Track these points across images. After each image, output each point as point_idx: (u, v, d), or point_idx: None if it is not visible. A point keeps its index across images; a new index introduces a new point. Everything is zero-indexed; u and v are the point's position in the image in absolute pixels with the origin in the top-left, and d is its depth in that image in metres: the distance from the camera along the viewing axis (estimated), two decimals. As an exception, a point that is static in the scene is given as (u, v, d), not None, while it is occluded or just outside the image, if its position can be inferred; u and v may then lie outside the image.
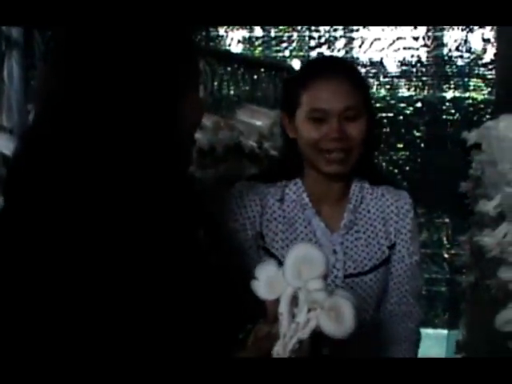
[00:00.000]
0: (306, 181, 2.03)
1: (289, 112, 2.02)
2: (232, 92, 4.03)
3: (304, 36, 6.16)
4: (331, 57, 2.29)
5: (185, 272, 1.30)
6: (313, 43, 6.13)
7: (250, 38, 6.24)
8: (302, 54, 6.11)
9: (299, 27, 6.13)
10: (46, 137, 1.25)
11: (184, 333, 1.27)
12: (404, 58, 6.02)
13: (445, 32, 5.93)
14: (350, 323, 1.22)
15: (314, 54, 6.12)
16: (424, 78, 5.99)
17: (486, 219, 2.46)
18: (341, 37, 6.07)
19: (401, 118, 5.99)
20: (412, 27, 5.90)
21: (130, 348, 1.19)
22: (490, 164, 2.78)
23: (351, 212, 2.02)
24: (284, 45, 6.19)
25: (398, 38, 5.97)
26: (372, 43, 6.01)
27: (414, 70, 6.01)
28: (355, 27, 6.02)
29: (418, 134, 5.99)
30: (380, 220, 2.04)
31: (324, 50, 6.07)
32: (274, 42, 6.21)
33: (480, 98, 5.89)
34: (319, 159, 1.95)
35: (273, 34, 6.22)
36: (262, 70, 4.56)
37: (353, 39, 6.06)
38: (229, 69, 4.01)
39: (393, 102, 6.01)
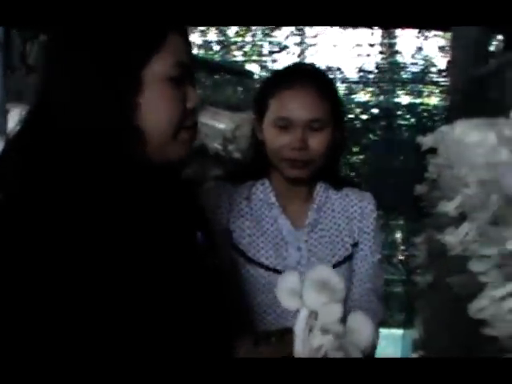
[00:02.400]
0: (273, 181, 2.08)
1: (258, 115, 2.06)
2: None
3: (261, 41, 6.25)
4: (303, 65, 2.27)
5: (183, 273, 1.33)
6: (271, 48, 6.21)
7: (205, 41, 6.28)
8: (259, 58, 6.19)
9: (256, 31, 6.21)
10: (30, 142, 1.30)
11: (181, 333, 1.30)
12: (361, 65, 6.14)
13: (400, 39, 6.07)
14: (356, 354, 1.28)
15: (270, 58, 6.20)
16: (380, 84, 6.12)
17: (445, 220, 2.53)
18: (300, 43, 6.17)
19: (357, 122, 6.11)
20: (370, 33, 6.04)
21: (126, 347, 1.22)
22: (447, 167, 2.85)
23: (315, 211, 2.08)
24: (246, 49, 6.26)
25: (356, 45, 6.10)
26: (330, 49, 6.12)
27: (371, 76, 6.13)
28: (313, 33, 6.12)
29: (374, 138, 6.12)
30: (344, 219, 2.11)
31: (282, 55, 6.16)
32: (231, 47, 6.27)
33: (434, 103, 6.04)
34: (281, 165, 2.00)
35: (231, 39, 6.29)
36: (223, 73, 4.63)
37: (311, 45, 6.15)
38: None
39: (350, 106, 6.13)
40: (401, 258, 6.09)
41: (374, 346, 1.37)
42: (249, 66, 5.99)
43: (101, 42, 1.28)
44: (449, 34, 5.70)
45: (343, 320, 1.32)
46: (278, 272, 1.96)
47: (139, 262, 1.25)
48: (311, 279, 1.32)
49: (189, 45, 1.40)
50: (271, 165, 2.06)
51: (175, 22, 1.34)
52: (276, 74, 2.17)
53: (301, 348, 1.28)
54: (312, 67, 2.19)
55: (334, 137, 2.01)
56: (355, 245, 2.10)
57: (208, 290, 1.40)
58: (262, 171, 2.08)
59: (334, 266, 2.01)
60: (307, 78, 2.02)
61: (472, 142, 2.43)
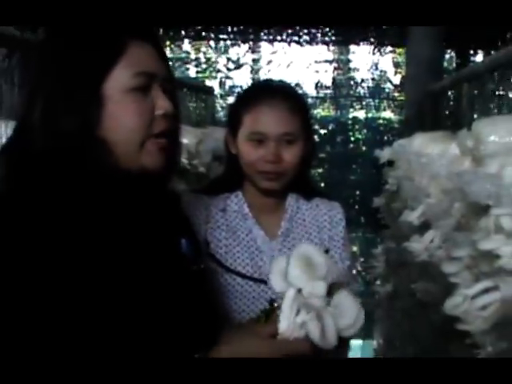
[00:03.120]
0: (246, 193, 2.15)
1: (232, 130, 2.12)
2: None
3: (216, 57, 6.34)
4: (274, 82, 2.32)
5: (167, 278, 1.38)
6: (230, 65, 6.30)
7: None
8: (220, 75, 6.28)
9: (215, 47, 6.30)
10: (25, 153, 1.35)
11: (167, 333, 1.33)
12: (318, 81, 6.26)
13: (357, 55, 6.21)
14: (331, 340, 1.28)
15: (231, 74, 6.28)
16: (337, 99, 6.24)
17: (406, 229, 2.61)
18: (259, 59, 6.27)
19: (316, 137, 6.21)
20: (325, 50, 6.17)
21: (115, 345, 1.24)
22: (407, 179, 2.91)
23: (288, 221, 2.15)
24: (204, 66, 6.34)
25: (315, 61, 6.21)
26: (289, 65, 6.23)
27: (328, 91, 6.25)
28: (274, 49, 6.24)
29: (331, 152, 6.23)
30: (315, 228, 2.17)
31: (242, 71, 6.25)
32: (190, 64, 6.34)
33: (390, 118, 6.17)
34: (255, 177, 2.07)
35: (190, 56, 6.36)
36: (185, 89, 4.68)
37: (270, 61, 6.26)
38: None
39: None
40: (359, 269, 6.18)
41: (356, 328, 1.39)
42: (208, 83, 6.05)
43: (61, 59, 1.34)
44: (403, 50, 5.84)
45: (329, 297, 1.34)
46: (253, 280, 2.03)
47: (122, 267, 1.29)
48: (295, 257, 1.35)
49: (157, 53, 1.41)
50: (245, 177, 2.12)
51: (133, 32, 1.36)
52: (247, 90, 2.23)
53: (285, 325, 1.31)
54: (283, 84, 2.25)
55: (305, 149, 2.09)
56: (326, 252, 2.16)
57: (192, 293, 1.44)
58: (236, 184, 2.14)
59: None
60: (279, 94, 2.08)
61: (433, 153, 2.51)
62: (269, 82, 2.33)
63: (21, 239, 1.24)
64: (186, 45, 6.38)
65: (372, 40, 6.15)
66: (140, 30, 1.39)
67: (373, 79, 6.16)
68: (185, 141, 3.70)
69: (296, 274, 1.34)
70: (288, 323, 1.31)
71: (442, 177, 2.11)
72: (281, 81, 2.35)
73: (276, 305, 1.37)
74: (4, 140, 1.42)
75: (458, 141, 1.93)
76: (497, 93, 2.81)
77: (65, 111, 1.31)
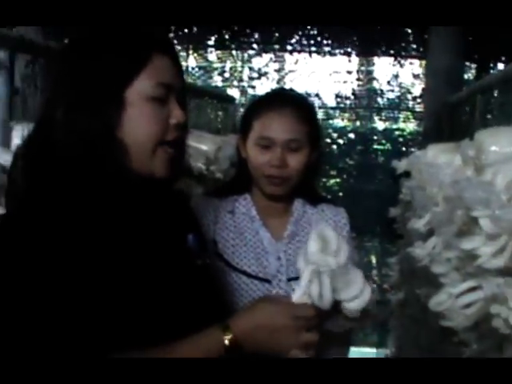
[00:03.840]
0: (254, 196, 2.23)
1: (243, 135, 2.22)
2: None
3: (242, 67, 6.41)
4: (285, 90, 2.42)
5: (175, 271, 1.48)
6: (253, 74, 6.37)
7: (187, 67, 6.43)
8: (241, 84, 6.34)
9: (237, 58, 6.38)
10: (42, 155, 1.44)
11: (174, 325, 1.40)
12: (339, 91, 6.31)
13: (376, 67, 6.25)
14: (327, 300, 1.39)
15: (252, 84, 6.35)
16: (357, 110, 6.29)
17: (416, 236, 2.67)
18: (279, 69, 6.33)
19: (334, 147, 6.27)
20: (347, 61, 6.23)
21: (124, 337, 1.32)
22: (419, 188, 2.96)
23: (293, 224, 2.23)
24: (226, 75, 6.41)
25: (334, 72, 6.27)
26: (309, 76, 6.29)
27: (348, 102, 6.30)
28: (294, 59, 6.31)
29: (350, 162, 6.28)
30: None
31: (262, 81, 6.32)
32: (213, 73, 6.42)
33: (409, 129, 6.21)
34: (262, 181, 2.17)
35: (213, 65, 6.44)
36: (206, 98, 4.77)
37: (290, 71, 6.33)
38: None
39: (327, 131, 6.29)
40: (375, 278, 6.22)
41: (362, 301, 1.48)
42: (230, 91, 6.13)
43: (89, 65, 1.42)
44: (423, 62, 5.89)
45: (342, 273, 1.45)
46: (259, 279, 2.11)
47: (133, 262, 1.39)
48: (312, 237, 1.49)
49: (175, 66, 1.51)
50: (253, 181, 2.20)
51: (156, 45, 1.46)
52: (260, 98, 2.33)
53: (298, 294, 1.42)
54: (293, 93, 2.34)
55: (311, 157, 2.17)
56: None
57: (198, 285, 1.53)
58: (245, 187, 2.23)
59: None
60: (288, 102, 2.18)
61: (441, 163, 2.57)
62: (281, 91, 2.42)
63: (42, 233, 1.32)
64: (210, 54, 6.45)
65: (392, 52, 6.19)
66: (162, 43, 1.49)
67: (392, 90, 6.19)
68: (204, 147, 3.79)
69: (312, 251, 1.47)
70: (300, 293, 1.42)
71: (446, 185, 2.16)
72: (291, 90, 2.44)
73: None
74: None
75: (461, 150, 1.99)
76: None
77: (89, 112, 1.40)
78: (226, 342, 1.35)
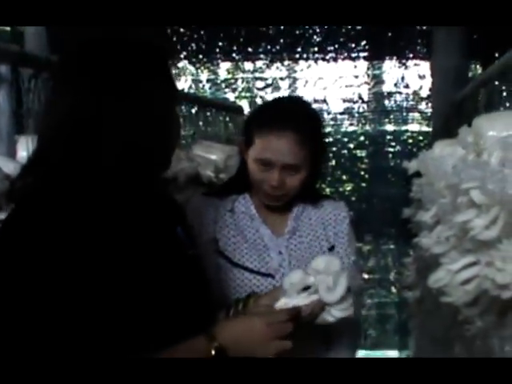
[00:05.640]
0: (254, 195, 2.28)
1: (245, 141, 2.24)
2: (187, 129, 4.28)
3: (250, 77, 6.45)
4: (293, 101, 2.32)
5: (166, 260, 1.54)
6: (259, 84, 6.41)
7: (197, 80, 6.49)
8: (249, 94, 6.38)
9: (245, 69, 6.43)
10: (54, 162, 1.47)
11: (164, 313, 1.48)
12: (346, 96, 6.34)
13: (383, 69, 6.27)
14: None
15: (260, 94, 6.40)
16: (365, 114, 6.30)
17: (424, 228, 2.69)
18: (286, 77, 6.37)
19: (345, 151, 6.29)
20: (353, 66, 6.25)
21: (115, 324, 1.38)
22: (428, 185, 2.98)
23: (294, 220, 2.27)
24: (233, 86, 6.46)
25: (340, 77, 6.29)
26: (315, 82, 6.32)
27: (356, 106, 6.32)
28: (299, 68, 6.34)
29: (362, 166, 6.29)
30: (320, 225, 2.29)
31: (270, 89, 6.36)
32: (222, 84, 6.47)
33: (418, 130, 6.21)
34: (260, 193, 2.21)
35: (222, 77, 6.50)
36: (215, 109, 4.82)
37: (297, 79, 6.36)
38: (184, 108, 4.27)
39: (337, 137, 6.30)
40: (392, 280, 6.22)
41: (345, 309, 1.62)
42: (240, 102, 6.18)
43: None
44: (429, 63, 5.90)
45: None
46: (261, 274, 2.15)
47: (127, 256, 1.44)
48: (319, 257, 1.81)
49: None
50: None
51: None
52: (264, 107, 2.34)
53: (283, 302, 1.62)
54: (298, 107, 2.29)
55: (310, 174, 2.20)
56: (331, 248, 2.27)
57: (187, 273, 1.62)
58: (245, 186, 2.28)
59: None
60: (290, 123, 2.15)
61: (445, 154, 2.59)
62: (287, 102, 2.35)
63: (34, 231, 1.37)
64: (218, 67, 6.50)
65: (397, 54, 6.22)
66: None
67: (400, 93, 6.21)
68: (213, 157, 3.85)
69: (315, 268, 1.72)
70: (285, 301, 1.59)
71: (449, 174, 2.18)
72: (296, 102, 2.38)
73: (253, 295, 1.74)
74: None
75: (460, 137, 2.01)
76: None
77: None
78: (213, 351, 1.46)
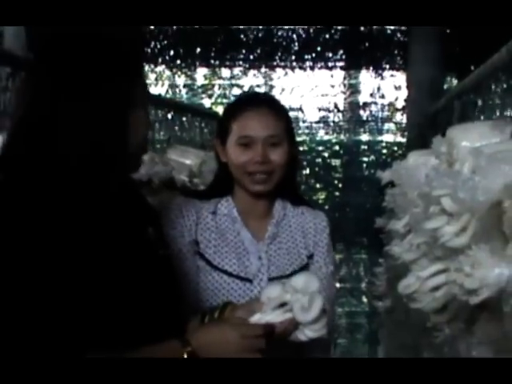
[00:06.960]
0: (236, 198, 2.30)
1: (221, 139, 2.27)
2: (162, 133, 4.28)
3: (226, 84, 6.47)
4: (257, 93, 2.60)
5: (138, 260, 1.54)
6: (235, 91, 6.43)
7: (174, 85, 6.50)
8: (225, 101, 6.39)
9: (222, 75, 6.44)
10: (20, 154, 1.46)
11: (135, 312, 1.49)
12: (322, 104, 6.37)
13: (360, 79, 6.32)
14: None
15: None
16: (341, 123, 6.34)
17: (395, 236, 2.70)
18: (263, 84, 6.39)
19: (319, 160, 6.30)
20: (329, 75, 6.28)
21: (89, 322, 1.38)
22: (402, 194, 3.00)
23: (274, 225, 2.29)
24: (209, 92, 6.47)
25: (316, 86, 6.33)
26: (292, 90, 6.35)
27: (331, 115, 6.35)
28: (276, 76, 6.36)
29: (336, 175, 6.31)
30: (300, 233, 2.31)
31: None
32: (199, 90, 6.48)
33: (392, 140, 6.26)
34: (246, 180, 2.23)
35: (198, 83, 6.51)
36: (190, 115, 4.81)
37: (273, 87, 6.38)
38: (159, 113, 4.27)
39: (312, 145, 6.32)
40: (363, 290, 6.24)
41: (318, 329, 1.62)
42: (216, 109, 6.18)
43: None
44: (404, 73, 5.95)
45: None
46: (240, 278, 2.15)
47: (96, 251, 1.43)
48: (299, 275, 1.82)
49: None
50: (235, 183, 2.26)
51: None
52: (235, 101, 2.43)
53: (257, 317, 1.64)
54: (266, 94, 2.46)
55: (291, 151, 2.24)
56: (310, 257, 2.29)
57: (156, 272, 1.61)
58: (227, 189, 2.29)
59: (291, 274, 2.18)
60: (263, 101, 2.31)
61: (418, 164, 2.61)
62: (252, 93, 2.54)
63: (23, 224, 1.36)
64: (195, 72, 6.51)
65: (374, 64, 6.26)
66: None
67: (375, 103, 6.25)
68: (188, 161, 3.85)
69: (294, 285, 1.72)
70: (260, 316, 1.63)
71: (422, 183, 2.20)
72: (265, 93, 2.56)
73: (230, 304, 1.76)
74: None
75: (433, 147, 2.02)
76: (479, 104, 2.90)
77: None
78: (185, 355, 1.47)
